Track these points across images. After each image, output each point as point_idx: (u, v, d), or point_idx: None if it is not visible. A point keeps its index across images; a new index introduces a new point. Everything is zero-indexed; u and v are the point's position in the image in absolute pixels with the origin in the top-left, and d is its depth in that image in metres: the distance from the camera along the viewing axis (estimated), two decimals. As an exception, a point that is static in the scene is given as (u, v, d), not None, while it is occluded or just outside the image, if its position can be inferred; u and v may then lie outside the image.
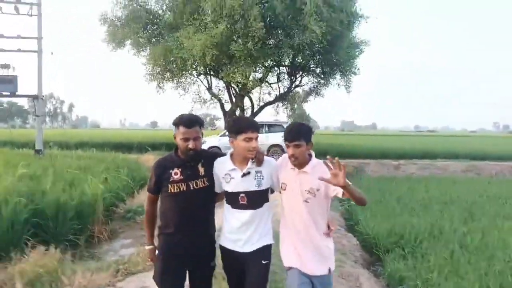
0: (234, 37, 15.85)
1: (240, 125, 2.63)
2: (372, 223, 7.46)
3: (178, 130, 2.59)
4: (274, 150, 17.60)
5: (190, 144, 2.56)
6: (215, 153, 2.89)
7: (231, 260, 2.72)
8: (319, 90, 22.46)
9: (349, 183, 2.39)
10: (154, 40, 19.62)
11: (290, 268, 2.75)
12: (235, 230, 2.67)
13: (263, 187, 2.67)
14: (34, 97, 14.06)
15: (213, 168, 2.72)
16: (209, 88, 22.17)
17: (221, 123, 32.02)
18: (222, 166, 2.70)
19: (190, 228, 2.66)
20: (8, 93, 13.69)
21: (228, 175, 2.66)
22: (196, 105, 22.68)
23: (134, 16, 18.61)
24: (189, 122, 2.59)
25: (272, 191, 2.83)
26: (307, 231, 2.67)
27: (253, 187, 2.63)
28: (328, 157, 2.37)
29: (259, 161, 2.66)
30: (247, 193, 2.63)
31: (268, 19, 16.12)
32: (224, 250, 2.75)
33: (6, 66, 13.53)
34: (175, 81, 20.87)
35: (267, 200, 2.74)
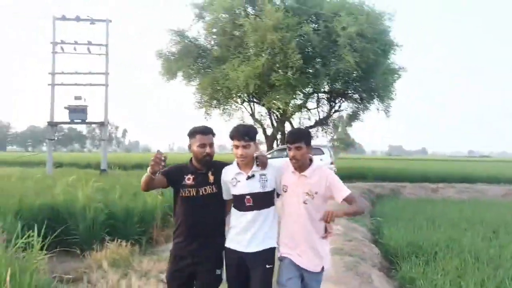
0: (274, 68, 17.29)
1: (231, 132, 2.80)
2: (395, 236, 8.07)
3: (194, 138, 2.83)
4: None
5: (207, 149, 2.79)
6: (224, 162, 3.02)
7: (235, 261, 2.78)
8: (358, 115, 23.27)
9: (342, 213, 2.76)
10: (203, 71, 21.55)
11: (283, 258, 2.88)
12: (240, 231, 2.77)
13: (268, 189, 2.80)
14: (101, 124, 16.22)
15: (221, 175, 2.88)
16: (252, 114, 23.66)
17: (263, 147, 33.15)
18: (229, 172, 2.85)
19: (199, 232, 2.80)
20: (80, 121, 15.98)
21: (235, 179, 2.80)
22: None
23: (186, 50, 20.68)
24: (205, 130, 2.85)
25: (278, 195, 2.97)
26: (304, 232, 2.80)
27: (258, 189, 2.76)
28: (327, 211, 2.64)
29: (262, 165, 2.79)
30: (253, 195, 2.75)
31: (306, 50, 17.42)
32: (228, 251, 2.83)
33: (79, 98, 15.80)
34: (221, 108, 22.56)
35: (272, 203, 2.86)
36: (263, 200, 2.77)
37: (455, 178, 20.82)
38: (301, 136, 2.82)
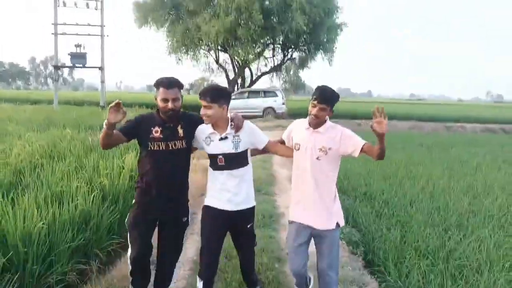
0: (240, 23, 21.08)
1: (199, 92, 2.66)
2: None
3: (158, 91, 2.63)
4: (268, 111, 23.08)
5: (169, 105, 2.60)
6: (196, 117, 2.83)
7: (215, 217, 2.75)
8: (306, 63, 27.85)
9: (378, 148, 2.52)
10: (174, 21, 24.71)
11: (292, 222, 2.84)
12: (218, 189, 2.74)
13: (240, 149, 2.72)
14: (100, 68, 19.52)
15: (192, 130, 2.78)
16: (217, 61, 27.47)
17: None
18: (204, 130, 2.77)
19: (166, 186, 2.71)
20: (81, 65, 19.20)
21: (208, 138, 2.73)
22: (206, 73, 28.17)
23: (160, 2, 23.64)
24: (169, 84, 2.61)
25: (254, 153, 2.93)
26: (316, 188, 2.69)
27: (230, 150, 2.70)
28: (376, 106, 2.39)
29: (237, 128, 2.73)
30: (225, 155, 2.69)
31: (265, 11, 21.37)
32: (208, 208, 2.79)
33: (79, 46, 18.93)
34: (190, 54, 26.13)
35: (246, 163, 2.79)
36: (236, 160, 2.73)
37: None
38: (332, 99, 2.67)
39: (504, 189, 6.90)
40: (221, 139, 2.71)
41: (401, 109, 36.46)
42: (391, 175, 7.84)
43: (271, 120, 19.18)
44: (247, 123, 2.80)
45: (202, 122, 2.75)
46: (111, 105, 2.38)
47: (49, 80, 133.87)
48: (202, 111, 2.63)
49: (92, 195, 3.92)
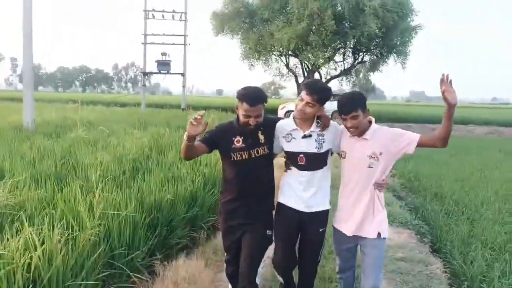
0: (312, 29, 21.69)
1: (304, 85, 2.60)
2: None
3: (241, 105, 2.52)
4: (336, 115, 23.34)
5: (251, 121, 2.51)
6: (274, 118, 2.82)
7: (287, 217, 2.69)
8: (378, 66, 27.59)
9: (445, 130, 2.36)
10: (248, 29, 25.99)
11: (336, 229, 2.76)
12: (294, 189, 2.65)
13: (323, 150, 2.61)
14: (182, 74, 21.48)
15: (272, 134, 2.69)
16: (287, 65, 28.33)
17: (284, 92, 38.12)
18: (285, 126, 2.67)
19: (250, 195, 2.66)
20: (165, 72, 21.31)
21: (290, 135, 2.62)
22: (276, 78, 29.23)
23: (236, 11, 25.04)
24: (253, 100, 2.49)
25: (332, 153, 2.78)
26: (364, 195, 2.57)
27: (313, 149, 2.59)
28: (443, 73, 2.23)
29: (324, 126, 2.62)
30: (306, 154, 2.58)
31: (338, 16, 21.73)
32: (281, 206, 2.73)
33: (165, 54, 21.05)
34: (262, 59, 27.26)
35: (325, 164, 2.68)
36: (317, 160, 2.62)
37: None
38: (356, 104, 2.46)
39: None
40: (305, 136, 2.60)
41: (481, 113, 34.61)
42: (463, 178, 7.95)
43: (339, 123, 19.45)
44: (334, 123, 2.70)
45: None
46: (191, 119, 2.34)
47: (129, 85, 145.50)
48: (301, 106, 2.51)
49: (197, 180, 4.81)
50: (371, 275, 2.61)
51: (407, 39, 24.33)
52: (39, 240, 2.46)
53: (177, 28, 46.68)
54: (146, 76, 22.01)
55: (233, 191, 2.70)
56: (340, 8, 21.22)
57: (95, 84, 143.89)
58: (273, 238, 2.78)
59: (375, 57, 26.81)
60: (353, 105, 2.46)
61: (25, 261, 2.29)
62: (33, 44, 9.56)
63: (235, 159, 2.61)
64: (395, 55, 25.14)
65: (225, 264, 2.96)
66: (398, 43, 24.23)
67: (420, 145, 2.47)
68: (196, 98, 55.36)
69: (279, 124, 2.72)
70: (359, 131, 2.53)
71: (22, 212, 3.00)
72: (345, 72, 28.18)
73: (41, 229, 2.61)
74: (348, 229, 2.66)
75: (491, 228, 4.84)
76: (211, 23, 26.44)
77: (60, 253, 2.47)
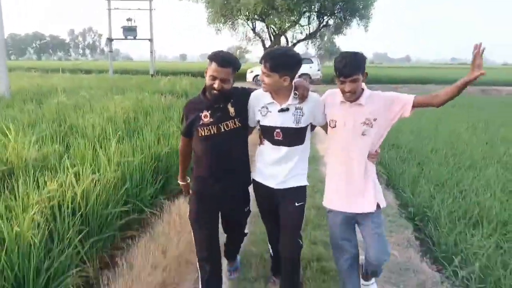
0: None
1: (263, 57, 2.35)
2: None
3: (210, 65, 2.35)
4: (304, 78, 24.10)
5: (216, 84, 2.31)
6: (247, 89, 2.61)
7: (264, 195, 2.58)
8: (341, 29, 28.37)
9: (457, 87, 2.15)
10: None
11: (330, 210, 2.54)
12: (268, 165, 2.50)
13: (301, 125, 2.42)
14: (149, 40, 21.27)
15: (245, 106, 2.50)
16: (254, 29, 28.50)
17: (250, 56, 38.64)
18: (260, 99, 2.46)
19: (223, 172, 2.50)
20: (132, 37, 21.05)
21: (265, 108, 2.43)
22: (243, 42, 29.37)
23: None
24: (223, 61, 2.32)
25: (313, 128, 2.62)
26: (360, 169, 2.38)
27: (290, 123, 2.39)
28: (475, 44, 2.04)
29: (302, 97, 2.39)
30: (283, 129, 2.40)
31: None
32: (256, 184, 2.59)
33: (130, 19, 20.75)
34: (229, 24, 27.27)
35: (304, 139, 2.50)
36: (294, 136, 2.43)
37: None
38: (358, 66, 2.21)
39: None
40: (281, 110, 2.39)
41: (440, 73, 36.30)
42: (418, 130, 8.95)
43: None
44: (313, 95, 2.47)
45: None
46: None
47: (87, 51, 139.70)
48: (261, 77, 2.38)
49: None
50: (377, 245, 2.40)
51: (369, 2, 25.13)
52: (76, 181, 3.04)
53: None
54: (112, 42, 21.59)
55: (205, 168, 2.50)
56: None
57: (51, 51, 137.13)
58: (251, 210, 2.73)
59: (339, 20, 27.49)
60: (356, 67, 2.21)
61: (70, 195, 2.87)
62: (2, 13, 9.45)
63: (203, 134, 2.42)
64: (357, 18, 25.93)
65: (199, 267, 2.59)
66: (361, 6, 24.99)
67: (415, 105, 2.28)
68: (159, 63, 54.36)
69: (254, 95, 2.52)
70: (355, 97, 2.31)
71: (47, 162, 3.53)
72: (311, 36, 28.79)
73: (73, 173, 3.18)
74: (343, 206, 2.45)
75: (437, 170, 5.77)
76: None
77: (94, 191, 3.07)
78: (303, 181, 2.54)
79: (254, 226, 3.63)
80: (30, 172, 3.28)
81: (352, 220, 2.50)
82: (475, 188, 4.96)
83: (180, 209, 3.91)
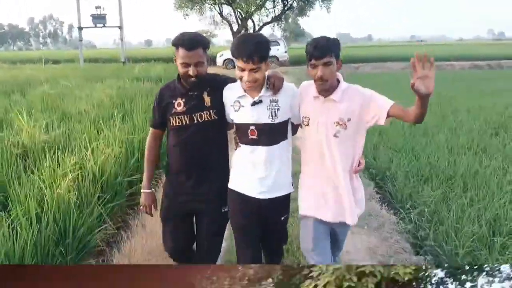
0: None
1: (234, 47, 2.05)
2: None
3: (178, 52, 2.12)
4: (271, 60, 24.74)
5: (191, 71, 2.10)
6: (225, 79, 2.33)
7: (240, 206, 2.21)
8: (305, 11, 29.23)
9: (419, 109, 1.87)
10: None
11: (304, 216, 2.23)
12: (246, 170, 2.17)
13: (278, 120, 2.11)
14: (119, 27, 21.33)
15: (222, 97, 2.22)
16: (221, 13, 28.79)
17: (215, 40, 38.80)
18: (232, 93, 2.19)
19: (195, 168, 2.26)
20: (102, 25, 21.04)
21: (238, 103, 2.15)
22: (211, 26, 29.68)
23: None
24: (190, 43, 2.08)
25: (295, 131, 2.30)
26: (334, 171, 2.10)
27: (265, 119, 2.09)
28: (416, 53, 1.72)
29: (275, 88, 2.09)
30: (258, 126, 2.10)
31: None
32: (231, 193, 2.24)
33: (99, 7, 20.71)
34: (196, 8, 27.43)
35: (285, 137, 2.19)
36: (272, 134, 2.12)
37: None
38: (330, 47, 1.98)
39: (469, 111, 8.88)
40: (254, 103, 2.10)
41: (400, 51, 37.75)
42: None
43: (276, 68, 20.79)
44: (290, 85, 2.20)
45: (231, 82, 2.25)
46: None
47: (49, 40, 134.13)
48: (247, 77, 2.00)
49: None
50: (337, 252, 2.39)
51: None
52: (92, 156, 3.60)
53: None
54: (81, 31, 21.35)
55: (177, 164, 2.28)
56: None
57: (10, 41, 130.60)
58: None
59: (302, 2, 28.28)
60: (327, 48, 1.97)
61: (91, 166, 3.43)
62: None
63: (174, 124, 2.21)
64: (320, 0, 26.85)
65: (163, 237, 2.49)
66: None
67: (390, 114, 1.99)
68: (126, 50, 53.19)
69: (225, 89, 2.23)
70: (327, 87, 2.03)
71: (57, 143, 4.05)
72: (276, 19, 29.52)
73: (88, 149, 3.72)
74: (321, 214, 2.17)
75: (396, 138, 6.60)
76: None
77: (108, 164, 3.65)
78: (287, 189, 2.24)
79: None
80: (46, 152, 3.78)
81: (328, 229, 2.24)
82: (428, 152, 5.81)
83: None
